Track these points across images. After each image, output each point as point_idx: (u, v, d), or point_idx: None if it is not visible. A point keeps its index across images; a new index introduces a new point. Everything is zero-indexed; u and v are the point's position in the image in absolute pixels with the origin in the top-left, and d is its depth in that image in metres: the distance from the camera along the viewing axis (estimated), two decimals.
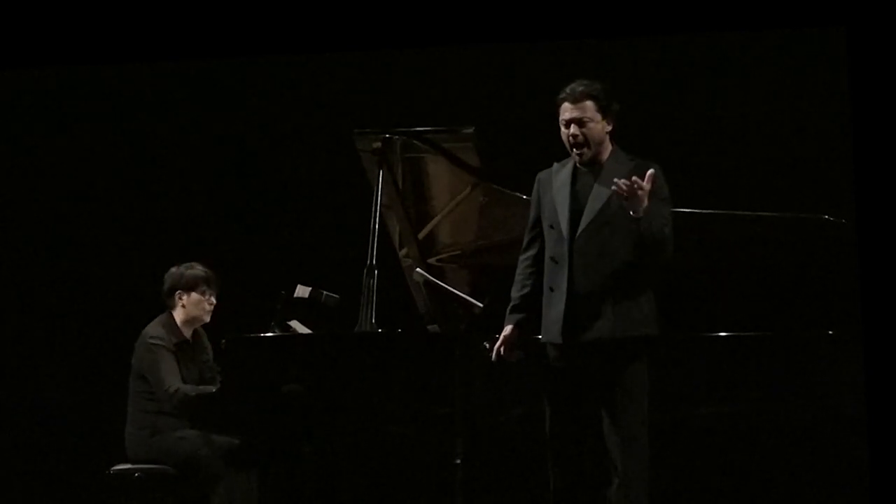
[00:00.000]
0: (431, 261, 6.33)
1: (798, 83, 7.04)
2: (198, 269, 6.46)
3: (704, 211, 5.94)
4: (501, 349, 5.32)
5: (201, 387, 6.19)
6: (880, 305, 5.38)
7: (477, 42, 6.58)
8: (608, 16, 6.19)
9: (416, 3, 6.27)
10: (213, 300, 6.48)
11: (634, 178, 5.00)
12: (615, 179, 5.02)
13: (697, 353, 5.78)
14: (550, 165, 5.35)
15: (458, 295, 6.04)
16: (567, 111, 5.22)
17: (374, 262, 5.81)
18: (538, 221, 5.33)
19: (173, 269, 6.49)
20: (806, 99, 7.01)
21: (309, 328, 6.11)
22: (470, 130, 5.99)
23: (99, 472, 6.37)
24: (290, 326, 6.10)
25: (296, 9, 6.37)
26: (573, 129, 5.20)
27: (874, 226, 5.41)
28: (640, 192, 5.01)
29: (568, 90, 5.23)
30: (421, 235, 6.29)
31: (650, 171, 5.04)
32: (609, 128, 5.23)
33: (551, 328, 5.20)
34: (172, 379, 6.24)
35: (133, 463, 6.31)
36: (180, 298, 6.45)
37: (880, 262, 5.37)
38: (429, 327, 6.24)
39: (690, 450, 6.63)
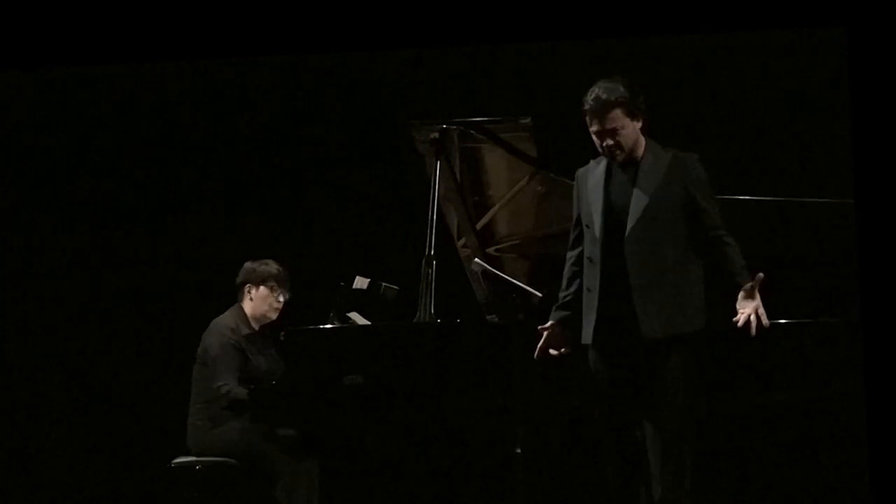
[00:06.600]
0: (490, 251, 6.32)
1: (798, 83, 6.99)
2: (270, 266, 6.55)
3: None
4: (548, 348, 5.28)
5: (253, 386, 6.21)
6: (881, 295, 5.32)
7: (531, 36, 6.55)
8: (609, 15, 6.14)
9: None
10: (282, 299, 6.54)
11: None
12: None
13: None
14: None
15: (516, 284, 6.02)
16: (595, 124, 5.11)
17: (432, 252, 5.79)
18: (580, 220, 5.28)
19: (247, 264, 6.58)
20: (806, 99, 6.96)
21: (368, 319, 6.12)
22: (527, 120, 5.97)
23: (160, 465, 6.42)
24: (349, 318, 6.11)
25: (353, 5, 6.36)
26: (607, 140, 5.10)
27: (875, 225, 5.35)
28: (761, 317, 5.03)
29: (592, 101, 5.10)
30: (479, 226, 6.28)
31: (759, 276, 5.03)
32: (640, 125, 5.14)
33: (586, 329, 5.16)
34: (229, 377, 6.30)
35: (194, 455, 6.35)
36: (249, 292, 6.54)
37: (881, 258, 5.31)
38: (487, 317, 6.23)
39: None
